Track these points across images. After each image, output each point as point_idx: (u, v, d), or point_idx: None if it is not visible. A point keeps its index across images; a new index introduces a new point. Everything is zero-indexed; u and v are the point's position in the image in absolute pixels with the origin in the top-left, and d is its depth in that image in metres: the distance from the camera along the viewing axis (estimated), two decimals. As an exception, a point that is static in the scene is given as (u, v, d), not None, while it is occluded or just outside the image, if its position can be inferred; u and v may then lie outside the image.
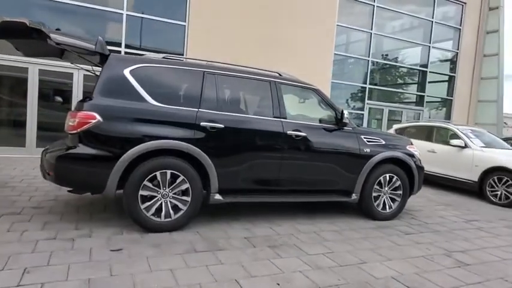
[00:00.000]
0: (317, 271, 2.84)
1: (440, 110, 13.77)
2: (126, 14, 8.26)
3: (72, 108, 3.41)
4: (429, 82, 13.01)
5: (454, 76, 13.47)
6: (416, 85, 13.18)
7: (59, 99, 8.45)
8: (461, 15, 13.37)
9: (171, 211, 3.43)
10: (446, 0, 12.95)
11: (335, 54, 10.87)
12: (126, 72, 3.39)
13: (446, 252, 3.57)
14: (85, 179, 3.22)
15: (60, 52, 4.08)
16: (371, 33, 11.55)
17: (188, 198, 3.47)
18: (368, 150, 4.37)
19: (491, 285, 2.87)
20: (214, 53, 7.61)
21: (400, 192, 4.66)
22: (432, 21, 12.74)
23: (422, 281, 2.83)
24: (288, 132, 3.91)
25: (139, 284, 2.40)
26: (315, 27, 10.25)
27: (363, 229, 4.12)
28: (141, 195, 3.30)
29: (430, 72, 12.97)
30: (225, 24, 9.03)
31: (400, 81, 13.11)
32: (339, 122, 4.26)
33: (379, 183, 4.50)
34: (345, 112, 4.17)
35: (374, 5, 11.43)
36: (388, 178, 4.53)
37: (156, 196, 3.37)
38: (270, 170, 3.87)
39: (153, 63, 3.55)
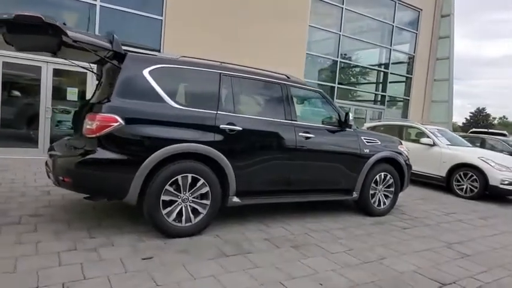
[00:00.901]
0: (347, 269, 2.97)
1: (399, 109, 14.71)
2: (100, 5, 7.79)
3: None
4: (390, 82, 13.83)
5: (411, 77, 14.45)
6: (378, 85, 13.94)
7: (16, 93, 7.83)
8: (418, 21, 14.35)
9: (191, 215, 3.38)
10: (405, 6, 13.80)
11: (307, 54, 11.16)
12: (146, 72, 3.26)
13: (446, 244, 3.90)
14: (106, 185, 3.05)
15: (57, 48, 3.80)
16: (340, 35, 12.00)
17: (208, 202, 3.44)
18: (367, 150, 4.61)
19: (495, 273, 3.21)
20: (191, 47, 7.43)
21: (393, 189, 4.97)
22: (393, 26, 13.53)
23: (440, 273, 3.08)
24: (299, 134, 4.01)
25: (189, 292, 2.36)
26: (288, 27, 10.43)
27: (364, 226, 4.35)
28: (163, 201, 3.21)
29: (390, 73, 13.79)
30: (202, 19, 8.87)
31: (364, 81, 13.79)
32: (342, 124, 4.44)
33: (375, 181, 4.76)
34: (350, 114, 4.35)
35: (343, 8, 11.87)
36: (383, 176, 4.82)
37: (176, 201, 3.30)
38: (283, 171, 3.94)
39: (172, 64, 3.44)
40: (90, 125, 2.98)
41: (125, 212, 3.96)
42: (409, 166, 5.16)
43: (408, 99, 14.53)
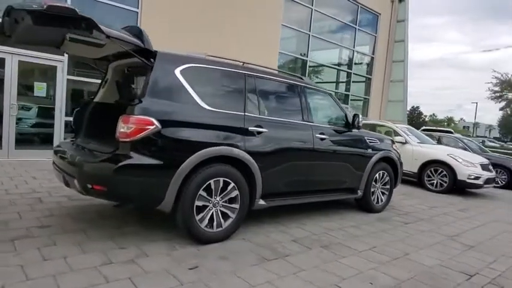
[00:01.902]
0: (384, 267, 3.09)
1: (360, 107, 15.46)
2: (71, -6, 7.16)
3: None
4: (353, 82, 14.47)
5: (371, 78, 15.25)
6: (343, 84, 14.53)
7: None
8: (377, 24, 15.16)
9: (222, 220, 3.28)
10: (366, 10, 14.50)
11: (279, 52, 11.28)
12: (177, 72, 3.08)
13: (448, 237, 4.21)
14: (142, 192, 2.85)
15: (60, 42, 3.46)
16: (309, 35, 12.28)
17: (237, 206, 3.36)
18: (370, 150, 4.81)
19: (503, 261, 3.54)
20: (166, 41, 7.12)
21: (388, 186, 5.25)
22: (356, 28, 14.16)
23: (460, 265, 3.32)
24: (316, 135, 4.06)
25: (256, 301, 2.30)
26: (262, 25, 10.44)
27: (371, 222, 4.55)
28: (197, 206, 3.08)
29: (353, 73, 14.44)
30: (178, 13, 8.56)
31: (331, 80, 14.27)
32: (349, 125, 4.58)
33: (375, 180, 4.99)
34: (360, 116, 4.50)
35: (312, 9, 12.16)
36: (381, 174, 5.07)
37: (208, 206, 3.18)
38: (302, 172, 3.97)
39: (200, 63, 3.29)
40: (124, 128, 2.75)
41: (136, 216, 3.73)
42: (401, 164, 5.48)
43: (368, 99, 15.32)
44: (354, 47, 14.26)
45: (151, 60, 3.01)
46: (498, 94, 18.83)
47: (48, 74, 7.08)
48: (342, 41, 14.00)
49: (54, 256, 2.66)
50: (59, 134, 7.12)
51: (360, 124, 4.57)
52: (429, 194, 7.35)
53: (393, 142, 5.52)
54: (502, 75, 18.44)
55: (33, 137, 7.25)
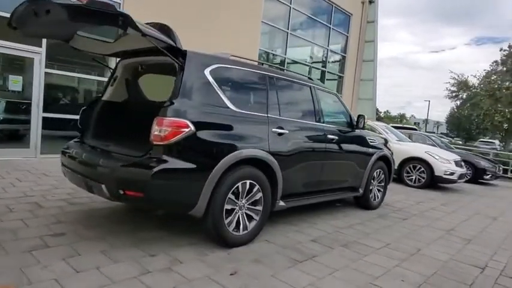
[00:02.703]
0: (406, 263, 3.23)
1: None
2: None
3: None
4: (327, 80, 14.82)
5: (343, 76, 15.70)
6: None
7: None
8: (349, 24, 15.60)
9: (247, 223, 3.26)
10: (340, 10, 14.86)
11: (259, 49, 11.27)
12: (207, 72, 2.99)
13: (446, 232, 4.49)
14: (178, 197, 2.75)
15: (70, 37, 3.25)
16: (287, 33, 12.38)
17: (260, 208, 3.35)
18: (371, 149, 4.98)
19: (501, 253, 3.84)
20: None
21: (383, 184, 5.47)
22: (330, 27, 14.48)
23: (469, 259, 3.55)
24: (328, 135, 4.14)
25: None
26: (242, 21, 10.37)
27: (374, 219, 4.73)
28: (226, 210, 3.03)
29: (327, 71, 14.78)
30: (159, 5, 8.28)
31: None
32: (353, 125, 4.71)
33: (373, 178, 5.18)
34: (365, 117, 4.64)
35: (290, 7, 12.25)
36: (378, 172, 5.27)
37: (235, 209, 3.14)
38: (315, 172, 4.03)
39: (227, 64, 3.22)
40: (160, 131, 2.63)
41: (148, 220, 3.60)
42: (393, 162, 5.73)
43: (340, 96, 15.75)
44: (328, 46, 14.58)
45: (181, 59, 2.89)
46: (455, 94, 20.24)
47: (24, 66, 6.55)
48: (317, 39, 14.26)
49: (85, 267, 2.50)
50: (35, 131, 6.63)
51: (364, 125, 4.71)
52: (409, 189, 7.75)
53: (386, 141, 5.75)
54: (458, 76, 19.80)
55: (8, 135, 6.70)
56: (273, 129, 3.42)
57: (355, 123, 4.70)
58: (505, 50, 17.89)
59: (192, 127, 2.73)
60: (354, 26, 15.71)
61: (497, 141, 31.15)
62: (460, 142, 28.25)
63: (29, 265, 2.45)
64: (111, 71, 3.76)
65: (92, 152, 3.11)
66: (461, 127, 43.83)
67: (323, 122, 4.15)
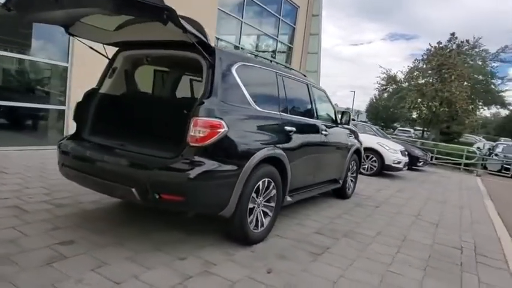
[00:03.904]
0: (404, 249, 3.58)
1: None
2: None
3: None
4: (275, 71, 15.11)
5: (289, 67, 16.15)
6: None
7: None
8: (296, 16, 16.01)
9: (264, 219, 3.32)
10: (288, 2, 15.16)
11: (216, 37, 11.06)
12: (233, 70, 2.92)
13: (414, 218, 5.04)
14: (212, 199, 2.68)
15: (71, 23, 2.94)
16: (242, 21, 12.30)
17: (273, 204, 3.43)
18: (349, 143, 5.33)
19: (465, 235, 4.46)
20: None
21: (355, 174, 5.90)
22: (280, 18, 14.72)
23: (446, 241, 4.07)
24: (322, 132, 4.33)
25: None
26: (198, 8, 10.06)
27: (353, 208, 5.11)
28: (249, 209, 3.05)
29: (276, 62, 15.05)
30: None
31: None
32: (337, 120, 4.98)
33: (348, 169, 5.56)
34: (351, 113, 4.93)
35: (244, -5, 12.16)
36: (353, 164, 5.67)
37: (254, 207, 3.18)
38: (312, 166, 4.21)
39: (248, 61, 3.17)
40: (199, 131, 2.53)
41: (149, 219, 3.45)
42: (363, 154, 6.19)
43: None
44: (277, 37, 14.83)
45: (209, 56, 2.78)
46: (384, 87, 22.20)
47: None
48: (268, 29, 14.41)
49: (122, 278, 2.34)
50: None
51: (349, 120, 5.00)
52: (363, 177, 8.40)
53: (357, 134, 6.17)
54: (387, 71, 21.71)
55: None
56: (286, 127, 3.49)
57: (339, 118, 4.97)
58: (429, 50, 20.07)
59: (226, 127, 2.67)
60: (301, 18, 16.17)
61: (412, 130, 35.07)
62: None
63: (58, 280, 2.22)
64: (109, 61, 3.43)
65: (108, 152, 2.85)
66: (379, 116, 48.12)
67: (317, 118, 4.33)
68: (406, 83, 20.78)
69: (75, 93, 6.93)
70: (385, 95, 25.94)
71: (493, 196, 8.19)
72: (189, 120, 2.56)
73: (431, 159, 13.29)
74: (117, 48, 3.43)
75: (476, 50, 19.93)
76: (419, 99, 17.81)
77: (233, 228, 3.01)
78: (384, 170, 8.74)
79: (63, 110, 7.00)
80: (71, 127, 6.94)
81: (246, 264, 2.79)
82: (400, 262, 3.24)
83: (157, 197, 2.49)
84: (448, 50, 18.51)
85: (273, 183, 3.32)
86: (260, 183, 3.13)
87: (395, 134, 24.84)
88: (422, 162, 11.38)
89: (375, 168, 8.71)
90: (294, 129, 3.62)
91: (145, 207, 3.66)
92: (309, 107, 4.22)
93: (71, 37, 6.72)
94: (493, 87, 21.55)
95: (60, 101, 7.03)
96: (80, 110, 3.27)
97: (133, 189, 2.52)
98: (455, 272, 3.19)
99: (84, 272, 2.36)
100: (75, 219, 3.30)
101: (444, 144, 16.86)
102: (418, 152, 11.48)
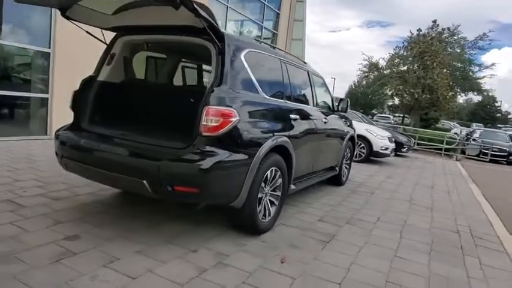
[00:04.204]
0: (406, 234, 3.66)
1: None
2: None
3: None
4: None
5: (275, 54, 16.02)
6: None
7: None
8: (280, 2, 15.81)
9: (271, 208, 3.29)
10: (272, -13, 14.93)
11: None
12: (242, 57, 2.83)
13: (409, 203, 5.16)
14: (227, 189, 2.63)
15: (69, 6, 2.77)
16: (227, 6, 12.03)
17: (279, 193, 3.40)
18: (345, 129, 5.35)
19: (459, 218, 4.61)
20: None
21: (349, 161, 5.96)
22: (265, 3, 14.49)
23: (442, 225, 4.19)
24: (323, 119, 4.32)
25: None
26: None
27: (350, 195, 5.17)
28: (259, 198, 3.02)
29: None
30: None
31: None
32: (334, 107, 4.97)
33: (344, 156, 5.60)
34: (348, 101, 4.93)
35: (230, -21, 11.87)
36: (347, 151, 5.71)
37: (261, 196, 3.14)
38: (314, 155, 4.20)
39: (255, 48, 3.08)
40: (212, 121, 2.45)
41: (148, 210, 3.36)
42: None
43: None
44: (262, 22, 14.63)
45: (218, 42, 2.68)
46: (366, 74, 22.46)
47: None
48: (253, 15, 14.18)
49: (138, 272, 2.27)
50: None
51: (346, 108, 5.00)
52: (353, 164, 8.52)
53: (351, 121, 6.21)
54: (369, 58, 21.94)
55: None
56: (291, 116, 3.44)
57: (336, 105, 4.97)
58: (409, 37, 20.36)
59: (237, 116, 2.60)
60: (285, 4, 15.98)
61: (391, 116, 35.83)
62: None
63: (72, 277, 2.13)
64: (108, 46, 3.25)
65: (114, 143, 2.72)
66: (358, 103, 48.84)
67: (317, 106, 4.31)
68: (388, 70, 21.07)
69: (59, 81, 6.65)
70: (364, 82, 26.22)
71: (476, 180, 8.50)
72: (201, 109, 2.47)
73: (413, 145, 13.62)
74: (113, 34, 3.26)
75: (455, 37, 20.41)
76: (402, 86, 18.12)
77: (243, 218, 2.97)
78: (371, 156, 8.89)
79: (46, 98, 6.68)
80: (55, 116, 6.68)
81: (258, 254, 2.77)
82: (406, 247, 3.30)
83: (170, 189, 2.41)
84: (429, 37, 18.84)
85: (279, 172, 3.29)
86: (268, 172, 3.09)
87: (376, 121, 25.33)
88: (406, 148, 11.64)
89: (363, 155, 8.83)
90: (298, 117, 3.59)
91: (144, 199, 3.56)
92: (310, 94, 4.18)
93: (52, 21, 6.48)
94: (471, 74, 22.22)
95: (42, 89, 6.70)
96: (78, 99, 3.11)
97: (145, 182, 2.42)
98: (457, 255, 3.29)
99: (97, 268, 2.27)
100: (76, 213, 3.17)
101: (424, 130, 17.32)
102: (402, 138, 11.72)
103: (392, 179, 7.12)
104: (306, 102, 4.06)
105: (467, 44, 21.59)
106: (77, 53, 6.78)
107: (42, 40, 6.52)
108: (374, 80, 22.60)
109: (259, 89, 2.99)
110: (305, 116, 3.87)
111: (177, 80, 3.90)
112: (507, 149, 14.49)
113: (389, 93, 18.88)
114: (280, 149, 3.24)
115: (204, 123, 2.46)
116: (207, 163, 2.41)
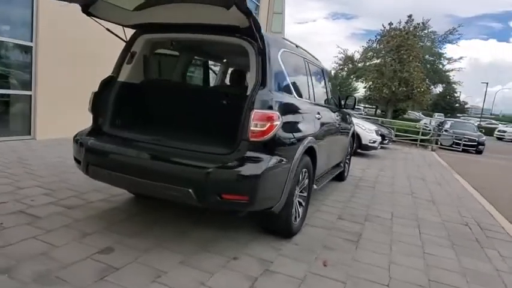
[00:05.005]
0: (423, 229, 3.76)
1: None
2: None
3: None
4: (241, 50, 14.77)
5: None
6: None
7: None
8: (259, -7, 15.64)
9: (299, 210, 3.27)
10: (252, -22, 14.71)
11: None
12: (279, 57, 2.75)
13: (411, 196, 5.32)
14: (272, 194, 2.55)
15: (92, 2, 2.58)
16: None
17: (306, 194, 3.39)
18: (349, 126, 5.41)
19: (461, 210, 4.81)
20: None
21: (349, 156, 6.05)
22: (245, -5, 14.25)
23: (450, 218, 4.35)
24: (336, 117, 4.33)
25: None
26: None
27: (354, 190, 5.25)
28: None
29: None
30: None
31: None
32: (341, 104, 5.00)
33: (348, 152, 5.68)
34: (356, 98, 4.97)
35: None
36: (350, 147, 5.79)
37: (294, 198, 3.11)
38: (330, 152, 4.21)
39: (287, 48, 3.00)
40: (259, 125, 2.36)
41: (171, 216, 3.25)
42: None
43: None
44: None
45: (258, 42, 2.58)
46: (341, 67, 22.88)
47: None
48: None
49: (191, 285, 2.18)
50: None
51: (354, 106, 5.04)
52: (343, 157, 8.70)
53: (351, 117, 6.28)
54: (344, 51, 22.37)
55: None
56: (315, 115, 3.42)
57: (343, 103, 4.99)
58: (382, 31, 20.89)
59: (280, 119, 2.53)
60: (264, -4, 15.85)
61: (362, 108, 36.90)
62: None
63: (128, 296, 2.00)
64: (127, 44, 3.04)
65: (153, 149, 2.55)
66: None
67: (330, 103, 4.31)
68: (362, 63, 21.56)
69: (44, 77, 6.23)
70: (340, 74, 26.71)
71: (458, 170, 8.91)
72: (247, 113, 2.37)
73: (393, 137, 14.07)
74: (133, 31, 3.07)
75: (425, 31, 21.18)
76: (380, 80, 18.64)
77: (279, 223, 2.92)
78: (360, 149, 9.07)
79: (29, 96, 6.23)
80: (39, 114, 6.26)
81: (298, 258, 2.74)
82: (429, 243, 3.39)
83: (217, 197, 2.31)
84: (405, 31, 19.44)
85: (307, 173, 3.27)
86: (300, 174, 3.06)
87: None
88: (387, 140, 12.00)
89: (353, 148, 8.99)
90: (320, 116, 3.57)
91: (161, 204, 3.43)
92: (325, 92, 4.17)
93: (34, 12, 6.02)
94: (441, 67, 23.24)
95: (25, 86, 6.23)
96: (98, 101, 2.90)
97: (190, 190, 2.30)
98: (477, 248, 3.43)
99: (147, 284, 2.15)
100: (99, 222, 2.99)
101: (401, 122, 17.96)
102: (384, 131, 12.06)
103: (385, 171, 7.31)
104: (323, 100, 4.05)
105: (437, 38, 22.54)
106: (63, 47, 6.38)
107: (23, 33, 6.05)
108: (349, 73, 23.05)
109: (292, 89, 2.93)
110: (325, 114, 3.85)
111: (196, 80, 3.74)
112: (476, 139, 15.32)
113: (365, 85, 19.37)
114: (308, 150, 3.21)
115: (252, 128, 2.37)
116: (257, 169, 2.33)
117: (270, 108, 2.46)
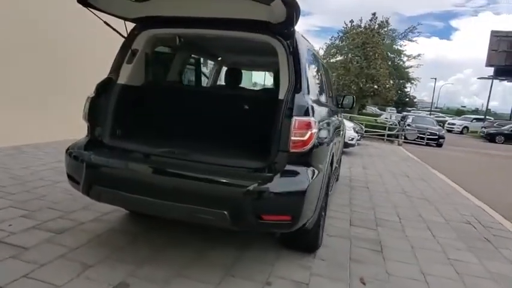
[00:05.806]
0: (434, 231, 3.70)
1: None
2: None
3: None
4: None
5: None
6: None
7: None
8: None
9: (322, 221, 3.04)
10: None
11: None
12: (306, 57, 2.48)
13: (404, 194, 5.33)
14: (310, 210, 2.28)
15: None
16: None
17: (324, 202, 3.17)
18: (342, 125, 5.28)
19: (459, 208, 4.86)
20: None
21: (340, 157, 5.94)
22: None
23: (450, 217, 4.36)
24: (339, 118, 4.17)
25: None
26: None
27: (351, 191, 5.16)
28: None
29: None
30: None
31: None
32: (338, 104, 4.85)
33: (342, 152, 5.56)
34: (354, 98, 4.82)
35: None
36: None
37: (316, 208, 2.88)
38: (336, 155, 4.02)
39: (309, 45, 2.74)
40: (299, 135, 2.08)
41: (181, 236, 2.90)
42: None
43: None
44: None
45: (289, 40, 2.29)
46: (325, 59, 22.95)
47: None
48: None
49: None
50: None
51: (353, 105, 4.90)
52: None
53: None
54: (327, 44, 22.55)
55: None
56: (332, 119, 3.21)
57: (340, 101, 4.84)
58: (345, 28, 21.27)
59: (317, 126, 2.28)
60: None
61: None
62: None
63: None
64: (128, 41, 2.61)
65: (175, 165, 2.16)
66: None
67: (333, 103, 4.13)
68: (326, 60, 21.81)
69: None
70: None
71: (432, 165, 9.19)
72: (287, 121, 2.09)
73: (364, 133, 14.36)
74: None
75: (385, 29, 21.88)
76: (347, 77, 18.97)
77: (308, 238, 2.67)
78: (339, 147, 9.08)
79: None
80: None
81: (333, 276, 2.52)
82: (448, 247, 3.32)
83: (256, 219, 2.01)
84: (369, 29, 19.91)
85: (326, 181, 3.05)
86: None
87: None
88: (360, 136, 12.17)
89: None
90: (334, 119, 3.38)
91: (160, 223, 3.03)
92: (330, 91, 3.97)
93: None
94: (402, 63, 24.19)
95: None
96: (95, 107, 2.45)
97: (226, 212, 1.98)
98: (491, 249, 3.42)
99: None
100: (98, 249, 2.56)
101: (368, 117, 18.46)
102: (356, 127, 12.24)
103: (369, 169, 7.34)
104: (330, 100, 3.85)
105: (398, 35, 23.41)
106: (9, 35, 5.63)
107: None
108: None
109: (316, 91, 2.69)
110: (333, 116, 3.64)
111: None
112: (437, 133, 16.11)
113: (337, 83, 19.60)
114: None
115: (293, 138, 2.08)
116: (302, 185, 2.06)
117: (307, 114, 2.19)
